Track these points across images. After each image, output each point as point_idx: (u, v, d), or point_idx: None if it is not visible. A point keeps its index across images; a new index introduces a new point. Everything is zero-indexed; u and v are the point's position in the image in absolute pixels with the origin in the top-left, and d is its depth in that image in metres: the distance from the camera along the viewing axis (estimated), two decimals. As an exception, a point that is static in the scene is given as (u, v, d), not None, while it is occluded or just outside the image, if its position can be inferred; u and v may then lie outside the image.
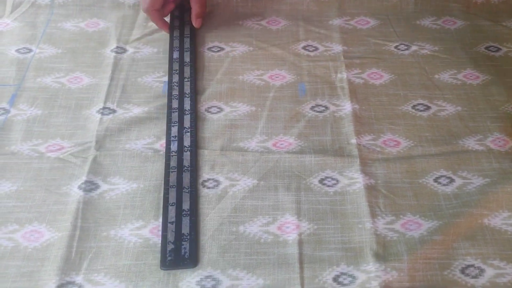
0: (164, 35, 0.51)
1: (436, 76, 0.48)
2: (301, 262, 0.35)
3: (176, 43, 0.49)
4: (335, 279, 0.34)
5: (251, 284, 0.34)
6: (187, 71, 0.47)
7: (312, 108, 0.45)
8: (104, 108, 0.44)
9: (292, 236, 0.36)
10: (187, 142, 0.41)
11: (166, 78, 0.47)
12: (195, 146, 0.41)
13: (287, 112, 0.45)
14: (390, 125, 0.44)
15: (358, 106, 0.45)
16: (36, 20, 0.52)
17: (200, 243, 0.36)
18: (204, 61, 0.48)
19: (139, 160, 0.41)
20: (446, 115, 0.45)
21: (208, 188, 0.39)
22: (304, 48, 0.50)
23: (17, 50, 0.49)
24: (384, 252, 0.36)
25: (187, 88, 0.45)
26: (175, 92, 0.45)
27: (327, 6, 0.54)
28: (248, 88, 0.47)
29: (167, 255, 0.35)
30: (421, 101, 0.46)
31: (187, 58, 0.48)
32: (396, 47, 0.51)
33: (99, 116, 0.44)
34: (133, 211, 0.38)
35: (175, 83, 0.45)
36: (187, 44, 0.49)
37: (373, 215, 0.38)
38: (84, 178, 0.39)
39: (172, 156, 0.40)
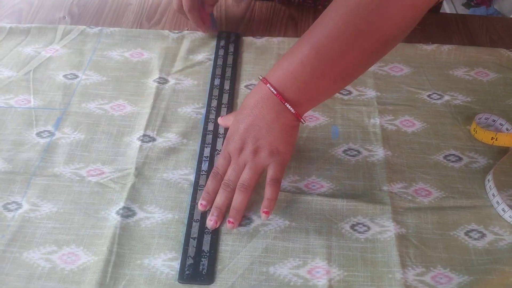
0: (204, 68, 0.53)
1: (468, 127, 0.48)
2: (330, 309, 0.35)
3: (219, 71, 0.52)
4: (364, 329, 0.34)
5: (279, 326, 0.34)
6: (225, 97, 0.49)
7: (344, 151, 0.46)
8: (144, 135, 0.46)
9: (322, 282, 0.37)
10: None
11: (204, 110, 0.49)
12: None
13: (320, 153, 0.46)
14: (422, 174, 0.44)
15: (391, 152, 0.46)
16: (83, 47, 0.55)
17: (218, 260, 0.37)
18: (239, 96, 0.51)
19: (175, 191, 0.42)
20: (478, 168, 0.45)
21: (241, 225, 0.40)
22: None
23: (65, 76, 0.52)
24: (414, 305, 0.36)
25: (223, 114, 0.47)
26: (212, 116, 0.47)
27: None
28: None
29: (186, 269, 0.36)
30: (453, 152, 0.46)
31: (226, 86, 0.50)
32: (429, 95, 0.52)
33: (139, 143, 0.45)
34: (167, 241, 0.39)
35: (213, 108, 0.48)
36: (228, 73, 0.52)
37: (404, 265, 0.38)
38: (122, 204, 0.40)
39: (202, 175, 0.42)
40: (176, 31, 0.57)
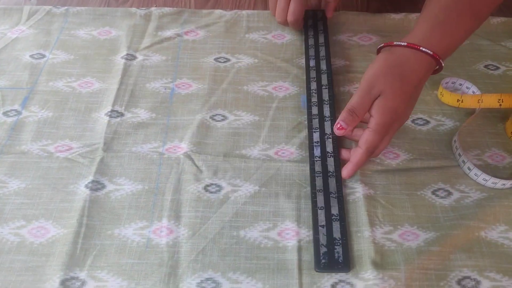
0: (173, 43, 0.53)
1: (436, 91, 0.49)
2: (300, 268, 0.36)
3: (312, 51, 0.51)
4: (333, 286, 0.35)
5: (250, 287, 0.35)
6: (324, 78, 0.48)
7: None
8: (112, 111, 0.46)
9: (291, 243, 0.37)
10: (329, 148, 0.42)
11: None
12: (337, 152, 0.42)
13: (289, 122, 0.46)
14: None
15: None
16: (50, 27, 0.54)
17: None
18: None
19: (144, 163, 0.42)
20: (445, 130, 0.46)
21: (211, 192, 0.40)
22: (308, 61, 0.52)
23: (31, 56, 0.51)
24: (382, 261, 0.36)
25: (325, 95, 0.46)
26: (314, 99, 0.46)
27: (332, 23, 0.56)
28: (252, 98, 0.48)
29: (321, 258, 0.35)
30: (420, 116, 0.47)
31: (323, 66, 0.49)
32: (397, 63, 0.52)
33: (107, 118, 0.45)
34: (137, 211, 0.39)
35: (313, 90, 0.47)
36: (322, 53, 0.51)
37: (372, 224, 0.38)
38: (91, 178, 0.40)
39: (316, 161, 0.41)
40: (144, 8, 0.56)
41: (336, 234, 0.37)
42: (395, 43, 0.40)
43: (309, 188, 0.40)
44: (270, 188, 0.41)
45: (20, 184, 0.40)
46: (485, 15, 0.42)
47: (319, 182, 0.40)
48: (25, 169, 0.41)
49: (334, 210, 0.38)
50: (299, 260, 0.36)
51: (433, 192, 0.41)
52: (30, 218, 0.38)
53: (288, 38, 0.54)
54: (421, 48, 0.39)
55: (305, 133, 0.45)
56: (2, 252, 0.36)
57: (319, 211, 0.38)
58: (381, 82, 0.38)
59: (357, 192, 0.40)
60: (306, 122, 0.46)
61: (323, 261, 0.36)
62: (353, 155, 0.40)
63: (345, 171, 0.40)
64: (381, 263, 0.36)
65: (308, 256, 0.36)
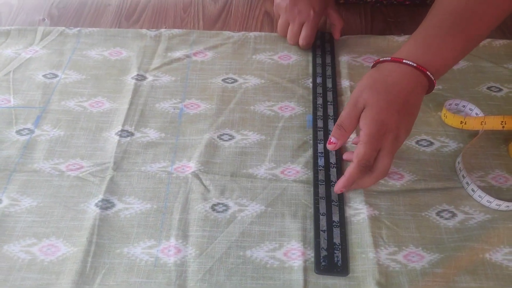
0: (182, 64, 0.54)
1: (439, 113, 0.50)
2: (305, 289, 0.36)
3: (319, 69, 0.53)
4: (338, 306, 0.35)
5: (256, 307, 0.35)
6: (329, 95, 0.50)
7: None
8: (122, 130, 0.47)
9: (297, 263, 0.38)
10: (332, 159, 0.44)
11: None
12: (340, 164, 0.44)
13: (295, 141, 0.47)
14: (395, 159, 0.45)
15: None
16: (63, 48, 0.56)
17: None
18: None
19: (153, 182, 0.43)
20: (449, 151, 0.47)
21: (218, 212, 0.41)
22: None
23: (44, 75, 0.53)
24: (386, 282, 0.37)
25: (330, 111, 0.49)
26: (320, 113, 0.48)
27: (338, 44, 0.57)
28: (259, 118, 0.49)
29: (321, 261, 0.37)
30: (425, 137, 0.48)
31: (329, 84, 0.52)
32: (401, 84, 0.53)
33: (117, 138, 0.46)
34: (146, 230, 0.39)
35: (319, 105, 0.49)
36: (329, 72, 0.53)
37: (376, 245, 0.39)
38: (101, 197, 0.41)
39: (319, 170, 0.43)
40: (154, 30, 0.58)
41: (336, 239, 0.38)
42: (381, 59, 0.42)
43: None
44: (276, 208, 0.41)
45: (32, 202, 0.41)
46: (477, 37, 0.43)
47: (321, 189, 0.42)
48: (37, 187, 0.42)
49: (335, 217, 0.40)
50: (305, 280, 0.37)
51: (438, 213, 0.42)
52: (41, 236, 0.39)
53: (294, 59, 0.56)
54: (404, 61, 0.40)
55: (310, 152, 0.46)
56: (14, 270, 0.37)
57: (321, 216, 0.40)
58: (365, 95, 0.39)
59: (361, 213, 0.41)
60: (311, 142, 0.47)
61: (323, 263, 0.37)
62: (346, 169, 0.40)
63: (336, 185, 0.41)
64: (385, 284, 0.37)
65: (314, 276, 0.37)
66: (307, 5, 0.53)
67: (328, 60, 0.55)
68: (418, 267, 0.38)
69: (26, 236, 0.39)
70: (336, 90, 0.51)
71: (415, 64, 0.40)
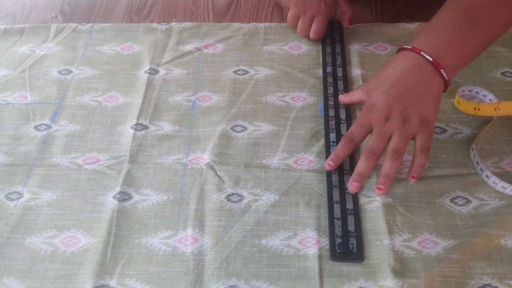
0: (193, 57, 0.55)
1: (452, 100, 0.50)
2: (321, 276, 0.37)
3: (329, 58, 0.53)
4: (354, 292, 0.36)
5: (273, 294, 0.36)
6: (340, 84, 0.50)
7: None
8: (137, 124, 0.48)
9: (312, 251, 0.38)
10: None
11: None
12: (353, 152, 0.43)
13: (307, 131, 0.47)
14: (408, 147, 0.45)
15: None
16: (76, 44, 0.57)
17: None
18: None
19: (169, 174, 0.44)
20: (463, 138, 0.46)
21: (233, 202, 0.41)
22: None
23: (59, 72, 0.54)
24: (401, 269, 0.37)
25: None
26: (331, 103, 0.49)
27: (348, 33, 0.57)
28: (271, 108, 0.49)
29: (336, 248, 0.38)
30: (438, 124, 0.47)
31: (339, 73, 0.52)
32: (413, 72, 0.53)
33: (132, 131, 0.47)
34: (163, 221, 0.40)
35: (330, 94, 0.49)
36: (339, 61, 0.53)
37: (391, 232, 0.39)
38: (118, 189, 0.42)
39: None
40: (165, 23, 0.58)
41: (351, 227, 0.39)
42: (404, 46, 0.44)
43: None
44: (290, 198, 0.42)
45: (51, 196, 0.42)
46: (487, 28, 0.42)
47: (335, 178, 0.42)
48: (56, 181, 0.43)
49: (349, 205, 0.40)
50: (320, 268, 0.37)
51: (452, 200, 0.41)
52: (62, 228, 0.40)
53: (304, 49, 0.55)
54: (404, 46, 0.43)
55: (323, 141, 0.46)
56: (37, 261, 0.38)
57: (334, 204, 0.40)
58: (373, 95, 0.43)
59: (375, 200, 0.41)
60: (323, 131, 0.47)
61: (338, 251, 0.37)
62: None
63: (349, 184, 0.41)
64: (401, 271, 0.37)
65: (329, 264, 0.37)
66: None
67: (338, 49, 0.55)
68: (433, 253, 0.38)
69: (48, 228, 0.40)
70: (346, 79, 0.51)
71: (410, 47, 0.42)
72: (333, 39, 0.55)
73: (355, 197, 0.41)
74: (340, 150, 0.41)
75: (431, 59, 0.41)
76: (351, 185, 0.40)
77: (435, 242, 0.39)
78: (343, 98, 0.48)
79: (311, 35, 0.54)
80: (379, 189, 0.40)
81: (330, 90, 0.50)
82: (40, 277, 0.37)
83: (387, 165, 0.40)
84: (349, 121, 0.47)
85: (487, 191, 0.42)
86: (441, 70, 0.41)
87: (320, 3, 0.53)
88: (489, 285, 0.36)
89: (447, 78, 0.41)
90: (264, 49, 0.56)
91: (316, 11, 0.53)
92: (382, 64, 0.53)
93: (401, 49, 0.44)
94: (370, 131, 0.42)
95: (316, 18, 0.53)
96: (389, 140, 0.41)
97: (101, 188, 0.42)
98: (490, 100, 0.49)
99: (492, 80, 0.52)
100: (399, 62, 0.43)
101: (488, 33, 0.42)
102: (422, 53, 0.41)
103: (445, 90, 0.43)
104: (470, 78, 0.52)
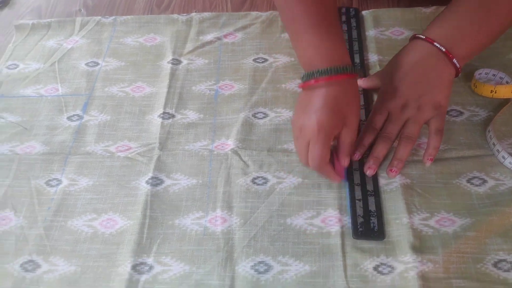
0: (214, 47, 0.56)
1: (469, 83, 0.51)
2: (343, 252, 0.39)
3: (346, 45, 0.53)
4: (375, 268, 0.38)
5: (299, 269, 0.38)
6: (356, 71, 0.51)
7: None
8: (164, 113, 0.50)
9: (335, 228, 0.40)
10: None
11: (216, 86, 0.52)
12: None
13: (328, 117, 0.49)
14: (425, 130, 0.47)
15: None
16: (101, 37, 0.59)
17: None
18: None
19: (196, 159, 0.46)
20: (479, 120, 0.47)
21: (258, 184, 0.44)
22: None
23: (86, 64, 0.56)
24: (420, 245, 0.39)
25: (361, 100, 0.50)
26: None
27: (364, 19, 0.58)
28: (290, 95, 0.51)
29: (358, 227, 0.40)
30: (454, 107, 0.49)
31: (357, 59, 0.53)
32: (429, 56, 0.54)
33: (160, 120, 0.49)
34: (194, 203, 0.43)
35: None
36: (355, 47, 0.54)
37: (409, 211, 0.41)
38: (150, 174, 0.45)
39: None
40: (185, 14, 0.60)
41: (372, 207, 0.41)
42: (417, 35, 0.45)
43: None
44: (312, 180, 0.44)
45: (88, 182, 0.45)
46: (499, 18, 0.43)
47: (355, 162, 0.44)
48: (91, 168, 0.46)
49: (370, 187, 0.42)
50: (342, 244, 0.40)
51: (468, 181, 0.43)
52: (100, 212, 0.43)
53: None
54: (417, 35, 0.44)
55: (342, 127, 0.48)
56: (79, 242, 0.41)
57: (355, 186, 0.42)
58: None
59: (394, 182, 0.43)
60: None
61: (360, 229, 0.39)
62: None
63: (366, 168, 0.43)
64: (419, 247, 0.39)
65: (351, 240, 0.40)
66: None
67: (355, 35, 0.56)
68: (450, 231, 0.40)
69: (87, 212, 0.43)
70: (364, 65, 0.52)
71: (443, 49, 0.42)
72: (349, 25, 0.56)
73: (375, 179, 0.43)
74: (366, 139, 0.44)
75: (443, 49, 0.42)
76: (369, 168, 0.43)
77: (452, 220, 0.41)
78: (361, 82, 0.50)
79: (310, 163, 0.41)
80: (392, 171, 0.42)
81: None
82: (83, 256, 0.40)
83: (400, 149, 0.42)
84: (366, 107, 0.48)
85: (503, 171, 0.43)
86: (453, 59, 0.42)
87: (313, 123, 0.39)
88: (505, 260, 0.38)
89: (458, 66, 0.43)
90: (282, 36, 0.57)
91: (308, 133, 0.40)
92: (399, 49, 0.54)
93: (414, 38, 0.45)
94: (387, 117, 0.44)
95: (311, 142, 0.40)
96: (403, 125, 0.43)
97: (134, 174, 0.45)
98: (506, 82, 0.50)
99: (509, 63, 0.52)
100: (412, 51, 0.44)
101: (500, 24, 0.43)
102: (435, 43, 0.42)
103: (456, 76, 0.44)
104: (486, 61, 0.52)
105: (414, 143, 0.43)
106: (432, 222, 0.41)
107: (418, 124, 0.43)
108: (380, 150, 0.43)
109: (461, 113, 0.48)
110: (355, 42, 0.55)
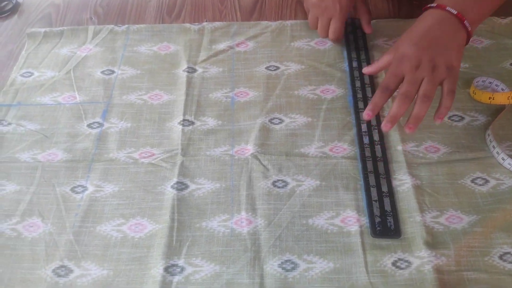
0: (227, 56, 0.59)
1: (468, 90, 0.55)
2: (364, 249, 0.42)
3: (354, 54, 0.57)
4: (394, 263, 0.41)
5: (323, 267, 0.41)
6: (366, 78, 0.55)
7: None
8: (183, 120, 0.52)
9: (354, 228, 0.43)
10: (376, 137, 0.50)
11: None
12: (383, 141, 0.49)
13: (339, 121, 0.52)
14: (430, 134, 0.50)
15: (402, 117, 0.52)
16: (114, 45, 0.60)
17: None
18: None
19: (218, 164, 0.48)
20: (479, 124, 0.51)
21: (279, 187, 0.46)
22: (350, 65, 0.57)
23: (102, 72, 0.57)
24: (433, 241, 0.42)
25: (369, 93, 0.54)
26: (359, 95, 0.53)
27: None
28: (303, 101, 0.54)
29: (376, 226, 0.43)
30: (456, 113, 0.52)
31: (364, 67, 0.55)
32: (430, 64, 0.57)
33: (180, 127, 0.51)
34: (219, 206, 0.45)
35: (358, 88, 0.54)
36: (363, 56, 0.57)
37: (421, 210, 0.44)
38: (175, 180, 0.47)
39: (365, 147, 0.48)
40: (197, 23, 0.62)
41: (387, 207, 0.44)
42: (429, 5, 0.48)
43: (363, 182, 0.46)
44: (329, 182, 0.47)
45: (114, 188, 0.47)
46: None
47: (369, 165, 0.47)
48: (116, 175, 0.48)
49: (384, 188, 0.45)
50: (362, 242, 0.42)
51: (472, 181, 0.47)
52: (128, 217, 0.45)
53: (329, 44, 0.60)
54: (428, 5, 0.47)
55: (354, 131, 0.51)
56: (109, 246, 0.43)
57: (371, 188, 0.45)
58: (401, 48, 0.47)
59: (406, 183, 0.46)
60: (354, 121, 0.51)
61: (378, 228, 0.42)
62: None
63: (383, 125, 0.44)
64: (432, 243, 0.42)
65: (370, 238, 0.43)
66: (333, 1, 0.55)
67: (361, 44, 0.59)
68: (459, 227, 0.43)
69: (115, 217, 0.45)
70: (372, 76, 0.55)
71: (455, 12, 0.45)
72: (356, 36, 0.60)
73: (388, 181, 0.46)
74: (377, 99, 0.45)
75: (455, 12, 0.45)
76: (385, 126, 0.44)
77: (460, 217, 0.44)
78: (369, 68, 0.51)
79: (330, 36, 0.57)
80: (409, 128, 0.44)
81: (358, 84, 0.54)
82: (114, 260, 0.42)
83: (418, 107, 0.44)
84: (379, 126, 0.51)
85: (503, 172, 0.47)
86: (465, 22, 0.45)
87: (336, 5, 0.56)
88: (509, 252, 0.42)
89: (470, 29, 0.46)
90: (292, 45, 0.60)
91: (332, 13, 0.56)
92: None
93: (426, 8, 0.48)
94: (402, 79, 0.45)
95: (332, 19, 0.56)
96: (419, 85, 0.45)
97: (159, 179, 0.47)
98: (502, 89, 0.54)
99: (502, 71, 0.56)
100: (425, 18, 0.47)
101: None
102: (447, 8, 0.46)
103: (467, 41, 0.47)
104: (483, 70, 0.57)
105: (431, 103, 0.44)
106: (442, 220, 0.44)
107: (433, 83, 0.44)
108: (399, 110, 0.44)
109: (462, 118, 0.52)
110: (361, 51, 0.58)
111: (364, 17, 0.59)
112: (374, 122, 0.51)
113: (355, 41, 0.59)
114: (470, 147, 0.49)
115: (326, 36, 0.58)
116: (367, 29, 0.59)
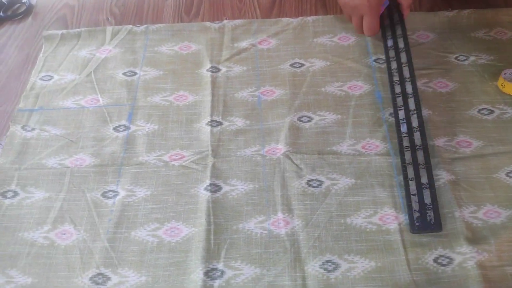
0: (250, 54, 0.58)
1: (495, 82, 0.54)
2: (404, 247, 0.41)
3: (391, 53, 0.55)
4: (435, 260, 0.41)
5: (365, 266, 0.41)
6: (403, 56, 0.53)
7: (390, 114, 0.51)
8: (211, 121, 0.51)
9: (393, 226, 0.43)
10: (415, 123, 0.47)
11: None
12: (423, 126, 0.47)
13: (369, 118, 0.51)
14: (461, 128, 0.50)
15: (431, 111, 0.51)
16: (134, 46, 0.59)
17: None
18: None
19: (250, 165, 0.47)
20: (509, 117, 0.51)
21: (313, 187, 0.46)
22: (375, 61, 0.57)
23: (124, 74, 0.56)
24: (473, 237, 0.42)
25: (406, 73, 0.51)
26: (396, 78, 0.51)
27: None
28: (332, 98, 0.53)
29: (415, 222, 0.42)
30: (485, 106, 0.52)
31: (401, 44, 0.54)
32: (456, 58, 0.57)
33: (209, 128, 0.50)
34: (254, 207, 0.44)
35: (394, 70, 0.52)
36: (399, 31, 0.55)
37: (459, 205, 0.44)
38: (208, 181, 0.46)
39: (403, 137, 0.47)
40: (217, 22, 0.61)
41: (427, 200, 0.43)
42: None
43: (399, 177, 0.46)
44: (365, 180, 0.46)
45: (146, 192, 0.46)
46: None
47: (407, 156, 0.46)
48: (147, 178, 0.47)
49: (424, 180, 0.44)
50: (402, 240, 0.42)
51: (507, 174, 0.46)
52: (162, 221, 0.44)
53: (353, 39, 0.59)
54: None
55: (385, 127, 0.50)
56: (146, 252, 0.42)
57: (410, 181, 0.44)
58: None
59: (441, 178, 0.46)
60: (384, 117, 0.51)
61: (417, 224, 0.42)
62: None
63: None
64: (473, 239, 0.42)
65: (410, 236, 0.42)
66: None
67: (397, 18, 0.56)
68: (498, 222, 0.43)
69: (149, 221, 0.44)
70: (409, 49, 0.53)
71: None
72: (394, 31, 0.57)
73: (429, 170, 0.45)
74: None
75: None
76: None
77: (498, 212, 0.44)
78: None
79: (365, 33, 0.57)
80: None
81: (394, 65, 0.53)
82: (152, 266, 0.41)
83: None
84: (415, 95, 0.49)
85: (537, 164, 0.47)
86: None
87: (364, 1, 0.54)
88: (549, 246, 0.41)
89: None
90: (315, 41, 0.59)
91: (363, 10, 0.55)
92: (428, 53, 0.57)
93: None
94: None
95: (365, 16, 0.56)
96: None
97: (191, 182, 0.46)
98: (531, 80, 0.53)
99: (529, 62, 0.56)
100: None
101: None
102: None
103: None
104: (508, 61, 0.56)
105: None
106: (480, 215, 0.44)
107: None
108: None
109: (492, 111, 0.52)
110: (400, 38, 0.55)
111: (404, 1, 0.57)
112: (412, 107, 0.49)
113: (393, 37, 0.56)
114: (502, 140, 0.49)
115: (362, 33, 0.58)
116: (404, 11, 0.57)
